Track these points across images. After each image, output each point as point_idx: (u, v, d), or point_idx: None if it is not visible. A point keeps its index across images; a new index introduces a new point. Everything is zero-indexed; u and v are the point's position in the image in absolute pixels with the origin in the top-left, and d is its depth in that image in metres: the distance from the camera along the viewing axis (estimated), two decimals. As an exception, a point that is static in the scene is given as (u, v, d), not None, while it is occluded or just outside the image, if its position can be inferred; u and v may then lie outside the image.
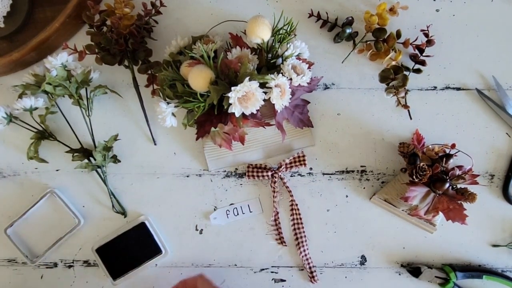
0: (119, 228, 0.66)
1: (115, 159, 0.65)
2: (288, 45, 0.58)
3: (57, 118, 0.66)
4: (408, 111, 0.65)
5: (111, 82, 0.66)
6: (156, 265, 0.67)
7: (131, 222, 0.66)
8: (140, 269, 0.66)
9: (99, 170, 0.65)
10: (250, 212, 0.66)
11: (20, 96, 0.62)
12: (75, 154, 0.64)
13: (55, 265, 0.67)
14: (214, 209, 0.66)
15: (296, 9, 0.66)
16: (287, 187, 0.65)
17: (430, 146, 0.62)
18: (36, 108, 0.63)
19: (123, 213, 0.66)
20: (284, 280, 0.66)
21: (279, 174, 0.65)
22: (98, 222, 0.67)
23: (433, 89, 0.65)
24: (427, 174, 0.56)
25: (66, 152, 0.64)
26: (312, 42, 0.65)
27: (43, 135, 0.64)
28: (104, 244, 0.65)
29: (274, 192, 0.65)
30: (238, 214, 0.66)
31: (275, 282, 0.67)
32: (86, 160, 0.64)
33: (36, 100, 0.62)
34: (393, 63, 0.62)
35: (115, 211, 0.66)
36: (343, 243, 0.66)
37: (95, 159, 0.63)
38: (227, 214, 0.66)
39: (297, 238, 0.65)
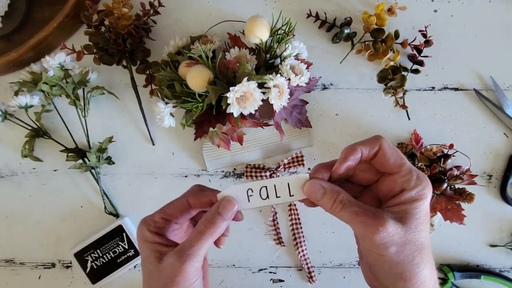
0: (97, 231, 0.65)
1: (109, 161, 0.65)
2: (287, 45, 0.58)
3: (54, 117, 0.66)
4: (406, 111, 0.65)
5: (109, 82, 0.66)
6: (134, 266, 0.66)
7: (109, 225, 0.65)
8: (121, 272, 0.65)
9: (93, 171, 0.65)
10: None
11: (16, 94, 0.62)
12: (70, 154, 0.64)
13: (53, 265, 0.67)
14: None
15: (295, 9, 0.66)
16: (285, 187, 0.65)
17: (428, 146, 0.62)
18: (31, 106, 0.63)
19: (115, 214, 0.66)
20: (283, 281, 0.66)
21: (278, 174, 0.65)
22: (97, 223, 0.66)
23: (431, 90, 0.66)
24: (425, 174, 0.56)
25: (61, 151, 0.64)
26: (310, 42, 0.65)
27: (38, 133, 0.64)
28: (83, 248, 0.65)
29: (272, 192, 0.65)
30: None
31: (273, 282, 0.67)
32: (80, 161, 0.64)
33: (32, 98, 0.62)
34: (391, 63, 0.63)
35: (107, 212, 0.66)
36: (342, 243, 0.66)
37: (89, 160, 0.63)
38: None
39: (295, 239, 0.65)
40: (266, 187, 0.40)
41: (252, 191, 0.40)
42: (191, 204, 0.42)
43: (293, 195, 0.40)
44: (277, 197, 0.40)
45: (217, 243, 0.44)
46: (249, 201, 0.40)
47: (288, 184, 0.40)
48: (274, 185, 0.40)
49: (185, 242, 0.39)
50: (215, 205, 0.40)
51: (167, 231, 0.41)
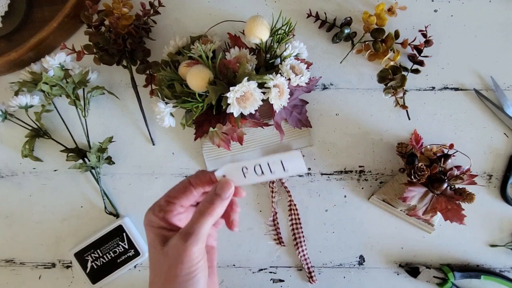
0: (97, 231, 0.65)
1: (109, 161, 0.65)
2: (287, 45, 0.58)
3: (54, 117, 0.66)
4: (407, 111, 0.65)
5: (109, 82, 0.66)
6: (134, 266, 0.66)
7: (109, 225, 0.65)
8: (121, 272, 0.65)
9: (93, 171, 0.65)
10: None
11: (16, 94, 0.62)
12: (70, 154, 0.64)
13: (53, 265, 0.67)
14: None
15: (295, 9, 0.66)
16: (285, 187, 0.65)
17: (428, 146, 0.62)
18: (31, 106, 0.63)
19: (115, 214, 0.66)
20: (283, 281, 0.66)
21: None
22: (97, 223, 0.66)
23: (431, 90, 0.66)
24: (425, 174, 0.56)
25: (61, 151, 0.64)
26: (310, 42, 0.65)
27: (38, 133, 0.64)
28: (83, 248, 0.65)
29: (272, 192, 0.65)
30: None
31: (273, 282, 0.67)
32: (80, 161, 0.64)
33: (32, 98, 0.62)
34: (392, 63, 0.63)
35: (107, 212, 0.66)
36: (342, 243, 0.66)
37: (89, 160, 0.63)
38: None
39: (295, 238, 0.65)
40: (260, 165, 0.41)
41: (247, 169, 0.42)
42: (192, 183, 0.43)
43: (287, 171, 0.41)
44: (271, 173, 0.42)
45: (230, 225, 0.44)
46: (245, 177, 0.42)
47: (281, 161, 0.41)
48: (268, 163, 0.41)
49: (187, 224, 0.40)
50: (213, 187, 0.42)
51: (172, 214, 0.42)
